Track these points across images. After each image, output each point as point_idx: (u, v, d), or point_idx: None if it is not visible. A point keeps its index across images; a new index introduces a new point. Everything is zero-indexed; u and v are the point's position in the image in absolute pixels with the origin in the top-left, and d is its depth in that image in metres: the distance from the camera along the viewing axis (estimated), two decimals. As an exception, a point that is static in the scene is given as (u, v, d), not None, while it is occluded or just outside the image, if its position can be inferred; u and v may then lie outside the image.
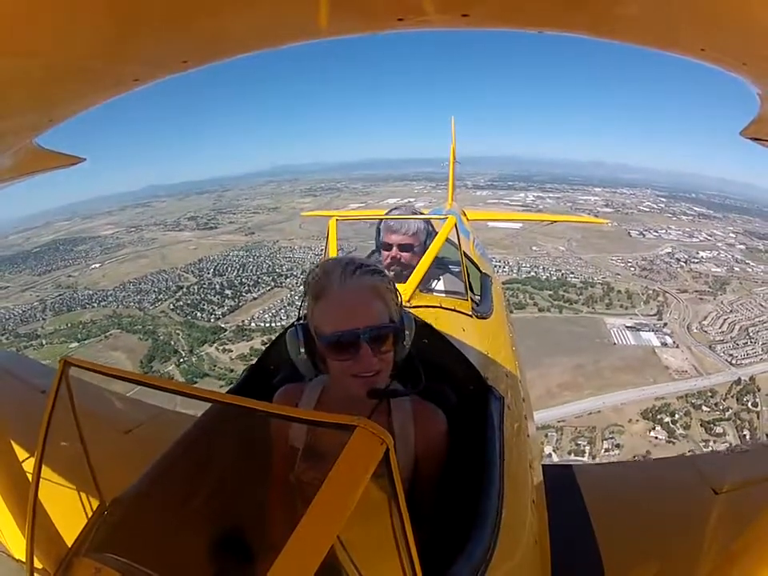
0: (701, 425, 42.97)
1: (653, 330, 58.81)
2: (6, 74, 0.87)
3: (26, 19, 0.70)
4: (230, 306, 71.39)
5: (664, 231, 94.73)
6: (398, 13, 0.85)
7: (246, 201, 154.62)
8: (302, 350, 1.39)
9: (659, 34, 0.93)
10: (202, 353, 59.28)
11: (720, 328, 59.04)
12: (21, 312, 72.52)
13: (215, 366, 55.79)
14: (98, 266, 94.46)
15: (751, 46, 0.89)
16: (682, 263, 77.86)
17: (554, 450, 39.83)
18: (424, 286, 2.56)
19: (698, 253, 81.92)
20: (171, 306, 72.41)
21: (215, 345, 60.62)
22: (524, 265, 76.76)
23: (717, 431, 42.14)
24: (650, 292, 68.47)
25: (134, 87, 1.08)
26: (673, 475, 2.60)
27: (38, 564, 1.16)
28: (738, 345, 55.26)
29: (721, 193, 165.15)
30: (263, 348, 2.15)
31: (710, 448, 40.05)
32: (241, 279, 79.49)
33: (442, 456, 1.51)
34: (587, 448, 40.27)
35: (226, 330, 64.61)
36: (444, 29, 0.93)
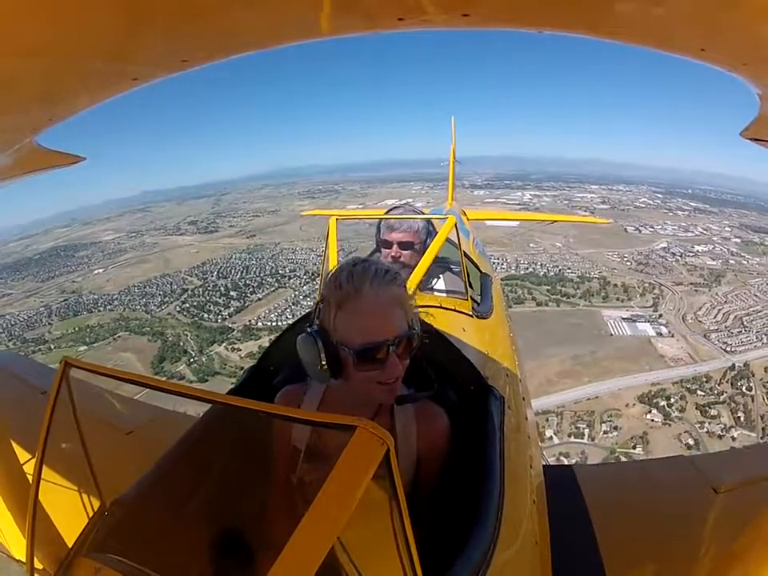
0: (696, 408, 44.18)
1: (648, 321, 60.09)
2: (6, 73, 0.87)
3: (26, 19, 0.69)
4: (236, 306, 72.12)
5: (660, 226, 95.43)
6: (398, 13, 0.84)
7: (245, 204, 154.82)
8: (323, 358, 1.35)
9: (659, 34, 0.93)
10: (212, 352, 60.17)
11: (714, 318, 60.22)
12: (26, 318, 73.04)
13: (225, 364, 56.56)
14: (101, 270, 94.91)
15: (751, 46, 0.89)
16: (678, 257, 78.76)
17: (554, 433, 41.26)
18: (424, 285, 2.61)
19: (693, 247, 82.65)
20: (178, 309, 73.12)
21: (224, 344, 61.47)
22: (522, 262, 77.63)
23: (711, 414, 43.43)
24: (646, 285, 69.48)
25: (133, 87, 1.09)
26: (673, 475, 2.57)
27: (38, 564, 1.16)
28: (732, 333, 56.47)
29: (717, 188, 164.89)
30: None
31: (705, 429, 41.75)
32: (245, 281, 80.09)
33: (443, 456, 1.51)
34: (586, 431, 41.66)
35: (233, 330, 65.34)
36: (444, 29, 0.93)
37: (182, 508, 1.41)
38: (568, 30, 0.94)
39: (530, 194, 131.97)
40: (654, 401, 44.92)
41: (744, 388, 46.24)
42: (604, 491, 2.38)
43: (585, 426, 42.14)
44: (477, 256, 4.14)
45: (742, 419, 42.73)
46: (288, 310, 67.41)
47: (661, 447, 39.74)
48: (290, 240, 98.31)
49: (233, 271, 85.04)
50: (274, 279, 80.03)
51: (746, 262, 75.57)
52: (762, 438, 40.75)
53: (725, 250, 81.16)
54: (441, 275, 2.93)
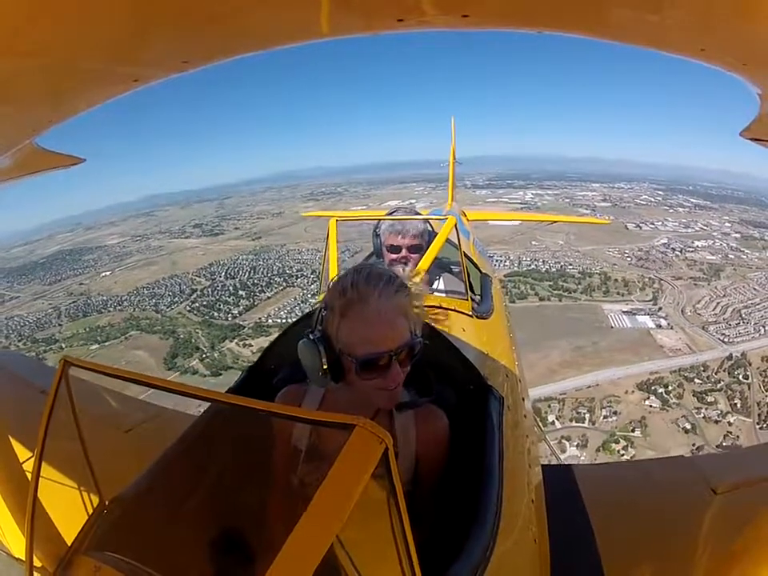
0: (693, 395, 45.13)
1: (648, 314, 60.93)
2: (7, 73, 0.86)
3: (27, 19, 0.69)
4: (246, 305, 72.61)
5: (660, 223, 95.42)
6: (398, 13, 0.84)
7: (249, 207, 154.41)
8: (325, 364, 1.35)
9: (659, 35, 0.93)
10: (224, 348, 60.81)
11: (713, 310, 60.83)
12: (35, 319, 73.18)
13: (238, 359, 56.85)
14: (108, 273, 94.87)
15: (751, 46, 0.89)
16: (678, 252, 79.03)
17: (557, 418, 42.59)
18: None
19: (693, 242, 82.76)
20: (188, 308, 73.58)
21: (235, 341, 62.09)
22: (524, 259, 78.10)
23: (708, 400, 44.37)
24: (646, 280, 70.04)
25: (133, 87, 1.08)
26: (672, 475, 2.56)
27: (37, 563, 1.15)
28: (730, 325, 57.13)
29: (718, 184, 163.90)
30: None
31: (702, 414, 42.74)
32: (253, 281, 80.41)
33: (443, 457, 1.52)
34: (587, 416, 42.90)
35: (244, 327, 66.03)
36: (444, 29, 0.91)
37: (182, 506, 1.41)
38: (567, 31, 0.94)
39: (532, 193, 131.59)
40: (653, 388, 45.98)
41: (741, 376, 47.08)
42: (603, 491, 2.38)
43: (585, 411, 43.32)
44: (477, 256, 4.17)
45: (738, 405, 43.62)
46: (297, 308, 67.97)
47: (658, 430, 41.03)
48: (296, 241, 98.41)
49: (240, 272, 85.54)
50: (282, 279, 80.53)
51: (745, 257, 75.79)
52: (757, 423, 41.69)
53: (724, 244, 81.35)
54: (441, 275, 2.97)
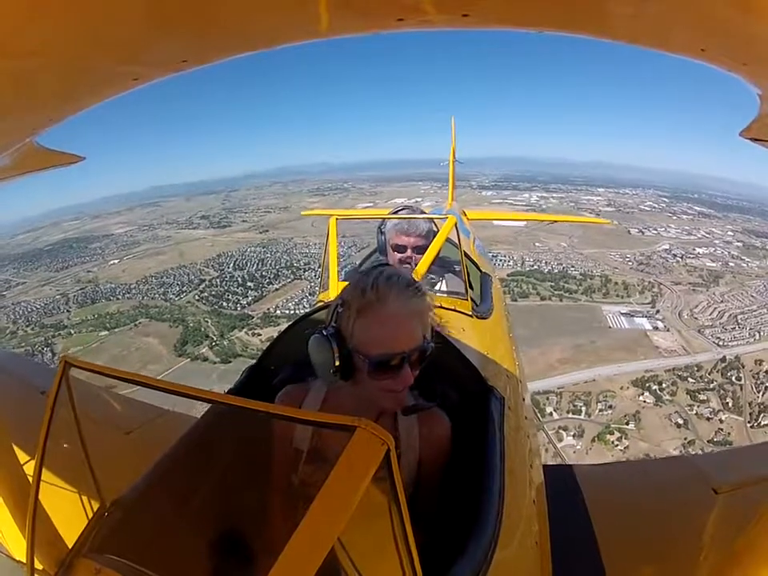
0: (686, 393, 46.43)
1: (646, 316, 61.98)
2: (6, 73, 0.86)
3: (27, 19, 0.68)
4: (254, 296, 73.41)
5: (663, 229, 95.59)
6: (398, 13, 0.83)
7: (255, 200, 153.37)
8: (337, 360, 1.35)
9: (659, 35, 0.92)
10: (233, 337, 61.66)
11: (710, 315, 61.66)
12: (43, 305, 73.40)
13: (247, 348, 57.69)
14: (116, 261, 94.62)
15: (751, 46, 0.88)
16: (678, 258, 79.47)
17: (554, 410, 44.19)
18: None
19: (694, 249, 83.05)
20: (197, 297, 74.21)
21: (244, 330, 63.07)
22: (528, 259, 78.79)
23: (701, 398, 45.66)
24: (646, 283, 70.83)
25: (133, 86, 1.07)
26: (673, 475, 2.55)
27: (38, 565, 1.14)
28: (726, 329, 57.99)
29: (723, 193, 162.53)
30: None
31: (694, 411, 44.09)
32: (261, 273, 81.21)
33: (445, 458, 1.53)
34: (583, 409, 44.43)
35: (253, 317, 66.93)
36: (444, 29, 0.91)
37: (183, 508, 1.41)
38: (568, 31, 0.94)
39: (537, 196, 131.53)
40: (647, 385, 47.35)
41: (734, 378, 48.20)
42: (604, 491, 2.36)
43: (582, 404, 44.84)
44: (477, 256, 4.15)
45: (730, 405, 44.79)
46: (305, 300, 68.74)
47: (651, 424, 42.56)
48: (303, 235, 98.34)
49: (248, 263, 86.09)
50: (290, 271, 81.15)
51: (745, 265, 76.28)
52: (749, 422, 42.83)
53: (726, 252, 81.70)
54: (441, 275, 2.93)
